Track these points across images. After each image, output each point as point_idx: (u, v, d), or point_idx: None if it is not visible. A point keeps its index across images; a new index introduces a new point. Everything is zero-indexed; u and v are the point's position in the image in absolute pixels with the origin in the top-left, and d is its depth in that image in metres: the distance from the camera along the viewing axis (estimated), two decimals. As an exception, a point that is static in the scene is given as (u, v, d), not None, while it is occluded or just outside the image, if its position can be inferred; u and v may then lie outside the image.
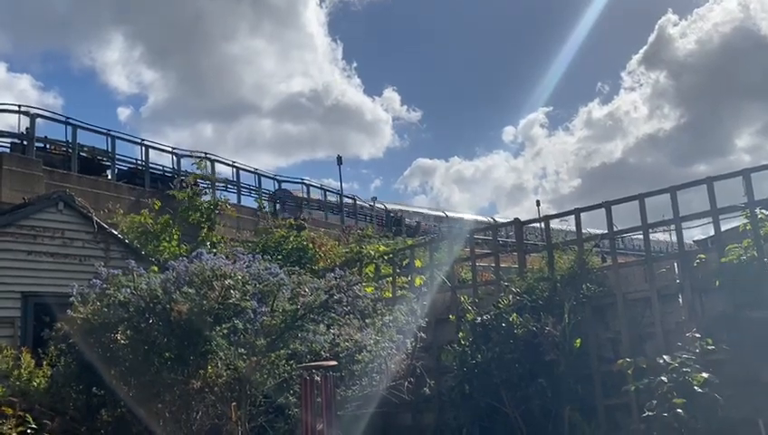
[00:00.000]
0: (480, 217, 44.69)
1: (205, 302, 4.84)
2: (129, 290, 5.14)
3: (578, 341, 7.22)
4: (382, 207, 36.29)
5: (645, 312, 7.59)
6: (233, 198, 25.88)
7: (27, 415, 6.70)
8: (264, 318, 5.13)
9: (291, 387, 5.56)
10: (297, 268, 9.96)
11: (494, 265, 8.98)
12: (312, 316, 5.31)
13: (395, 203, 37.54)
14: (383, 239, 24.38)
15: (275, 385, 5.45)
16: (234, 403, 5.02)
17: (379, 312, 6.28)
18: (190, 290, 4.84)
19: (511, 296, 7.52)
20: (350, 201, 32.91)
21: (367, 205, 34.43)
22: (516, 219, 8.74)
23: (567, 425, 7.08)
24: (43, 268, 9.53)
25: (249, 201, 27.58)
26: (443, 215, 41.10)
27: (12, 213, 9.90)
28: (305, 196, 30.31)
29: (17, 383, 7.74)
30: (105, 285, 5.42)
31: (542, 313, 7.44)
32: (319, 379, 5.38)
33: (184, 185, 12.34)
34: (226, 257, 10.69)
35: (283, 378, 5.44)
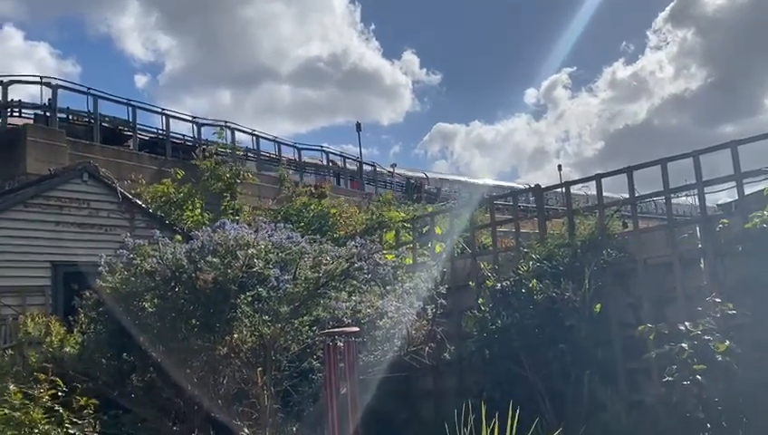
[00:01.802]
0: (501, 183, 44.47)
1: (229, 271, 4.95)
2: (155, 260, 5.26)
3: (598, 306, 7.25)
4: (402, 173, 36.24)
5: (666, 277, 7.58)
6: (253, 166, 26.07)
7: (59, 381, 6.95)
8: (287, 286, 5.22)
9: (314, 352, 5.69)
10: (318, 236, 10.12)
11: (514, 230, 9.00)
12: (333, 284, 5.40)
13: (415, 170, 37.44)
14: (403, 206, 24.47)
15: (299, 350, 5.58)
16: (259, 369, 5.16)
17: (399, 279, 6.36)
18: (215, 259, 4.95)
19: (531, 263, 7.55)
20: (369, 168, 32.90)
21: (386, 171, 34.41)
22: (537, 185, 8.73)
23: (587, 389, 7.16)
24: (70, 238, 9.77)
25: (270, 169, 27.71)
26: (463, 180, 40.90)
27: (38, 184, 10.11)
28: (325, 163, 30.35)
29: (49, 350, 8.02)
30: (132, 255, 5.55)
31: (562, 279, 7.46)
32: (341, 344, 5.50)
33: (207, 154, 12.43)
34: (249, 226, 10.86)
35: (306, 344, 5.56)
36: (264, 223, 5.80)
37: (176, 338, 5.14)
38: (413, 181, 34.23)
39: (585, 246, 7.94)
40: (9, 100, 20.63)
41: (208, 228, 5.55)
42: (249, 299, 5.19)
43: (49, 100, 21.21)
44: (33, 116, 21.19)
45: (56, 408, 6.85)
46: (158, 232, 6.15)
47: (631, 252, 7.81)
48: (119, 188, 10.40)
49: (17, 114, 21.18)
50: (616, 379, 7.31)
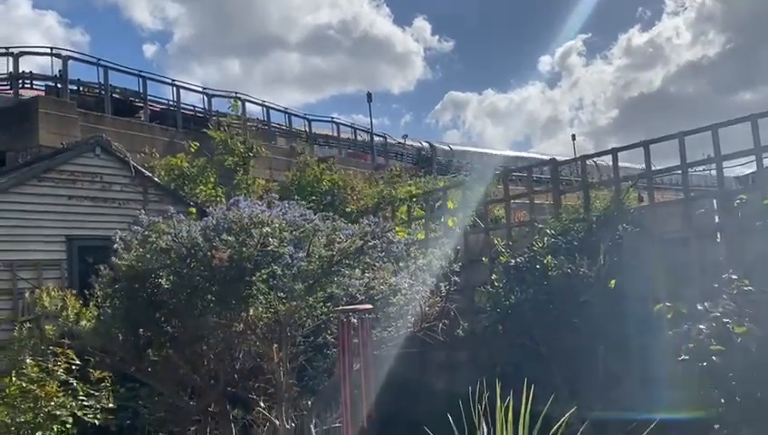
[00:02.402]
0: (514, 153, 44.12)
1: (244, 249, 4.95)
2: (170, 237, 5.26)
3: (612, 282, 7.21)
4: (413, 144, 36.01)
5: (682, 252, 7.52)
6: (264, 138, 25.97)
7: (74, 356, 7.04)
8: (302, 263, 5.22)
9: (328, 328, 5.71)
10: (331, 212, 10.10)
11: (528, 201, 8.92)
12: (347, 262, 5.39)
13: (426, 140, 37.18)
14: (414, 178, 24.37)
15: (314, 327, 5.60)
16: (275, 345, 5.18)
17: (412, 255, 6.34)
18: (229, 238, 4.94)
19: (545, 239, 7.50)
20: (380, 139, 32.73)
21: (397, 142, 34.21)
22: (552, 159, 8.63)
23: (601, 364, 7.16)
24: (84, 212, 9.80)
25: (281, 141, 27.60)
26: (476, 151, 40.61)
27: (51, 159, 10.12)
28: (336, 134, 30.20)
29: (66, 323, 8.11)
30: (146, 232, 5.55)
31: (576, 254, 7.42)
32: (355, 321, 5.51)
33: (221, 126, 12.36)
34: (262, 201, 10.85)
35: (320, 320, 5.58)
36: (277, 201, 5.77)
37: (192, 314, 5.17)
38: (424, 153, 34.03)
39: (600, 220, 7.88)
40: (20, 71, 20.61)
41: (223, 206, 5.53)
42: (264, 276, 5.19)
43: (59, 71, 21.16)
44: (44, 88, 21.18)
45: (71, 381, 6.97)
46: (172, 208, 6.13)
47: (647, 226, 7.74)
48: (131, 162, 10.38)
49: (28, 86, 21.18)
50: (630, 354, 7.30)
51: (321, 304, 5.52)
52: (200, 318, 5.16)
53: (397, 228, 10.08)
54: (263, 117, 27.52)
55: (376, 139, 32.54)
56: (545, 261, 7.08)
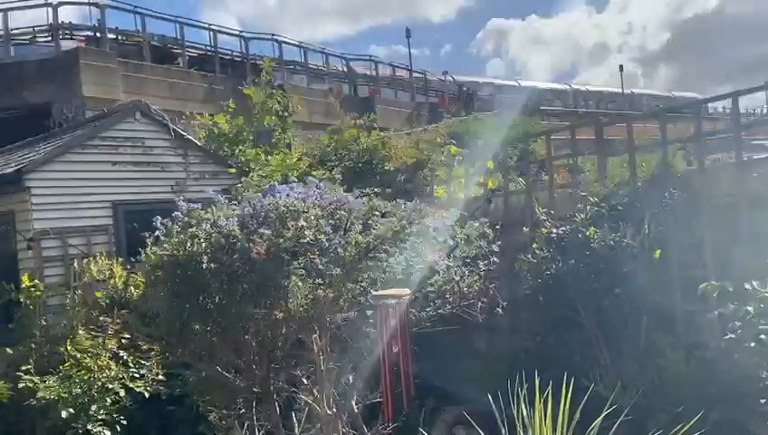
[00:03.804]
0: (558, 86, 42.82)
1: (281, 240, 4.97)
2: (208, 225, 5.31)
3: (657, 252, 7.03)
4: (454, 80, 35.23)
5: (732, 218, 7.25)
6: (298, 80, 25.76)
7: (125, 331, 7.33)
8: (339, 250, 5.23)
9: (366, 311, 5.77)
10: (368, 174, 10.03)
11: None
12: (384, 248, 5.37)
13: (467, 75, 36.30)
14: (455, 118, 23.91)
15: (353, 311, 5.66)
16: (314, 335, 5.27)
17: (450, 234, 6.28)
18: (266, 231, 4.96)
19: (588, 207, 7.32)
20: (420, 76, 32.09)
21: (437, 79, 33.50)
22: (597, 119, 8.32)
23: (644, 334, 7.09)
24: (127, 177, 9.97)
25: (319, 81, 27.31)
26: (519, 85, 39.52)
27: (92, 126, 10.25)
28: (374, 73, 29.69)
29: (115, 291, 8.41)
30: (186, 218, 5.62)
31: (620, 222, 7.24)
32: (393, 305, 5.55)
33: (256, 82, 12.22)
34: (299, 162, 10.82)
35: (359, 304, 5.63)
36: (314, 184, 5.74)
37: (233, 301, 5.27)
38: (466, 88, 33.30)
39: (646, 185, 7.64)
40: (60, 22, 20.68)
41: (259, 193, 5.53)
42: (302, 264, 5.23)
43: (98, 20, 21.19)
44: (83, 38, 21.27)
45: (122, 354, 7.29)
46: (211, 191, 6.19)
47: (695, 191, 7.47)
48: (171, 125, 10.44)
49: (68, 36, 21.29)
50: (674, 324, 7.19)
51: (360, 288, 5.55)
52: (240, 305, 5.25)
53: (436, 187, 10.03)
54: (300, 57, 27.21)
55: (416, 75, 31.91)
56: (588, 233, 6.92)
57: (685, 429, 4.42)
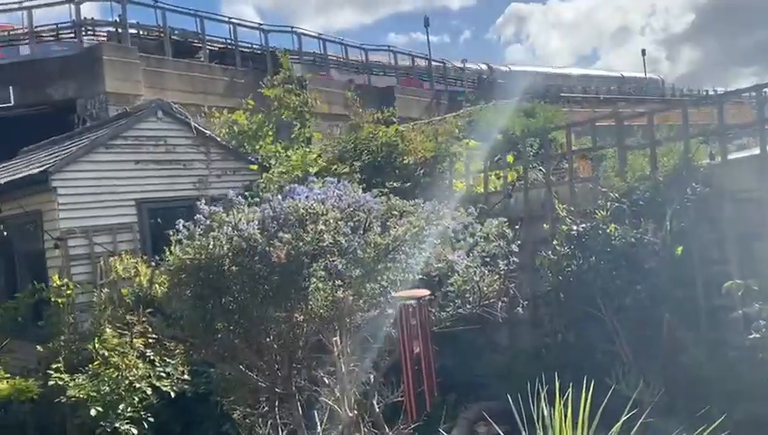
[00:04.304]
0: (583, 71, 42.18)
1: (301, 244, 5.02)
2: (230, 228, 5.39)
3: (679, 249, 6.97)
4: (474, 67, 34.97)
5: (757, 213, 7.15)
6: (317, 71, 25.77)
7: (148, 325, 7.47)
8: (358, 252, 5.27)
9: (386, 311, 5.82)
10: (387, 168, 10.04)
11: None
12: (403, 249, 5.40)
13: (484, 62, 35.98)
14: (474, 106, 23.74)
15: (372, 311, 5.71)
16: (335, 338, 5.33)
17: (469, 232, 6.29)
18: (286, 235, 5.02)
19: (609, 203, 7.27)
20: (439, 65, 31.92)
21: (456, 67, 33.27)
22: (617, 113, 8.23)
23: (666, 331, 7.04)
24: (150, 175, 10.12)
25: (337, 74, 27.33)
26: (542, 71, 39.01)
27: (115, 125, 10.38)
28: (393, 63, 29.61)
29: (140, 289, 8.57)
30: (208, 221, 5.70)
31: (641, 218, 7.18)
32: (413, 306, 5.59)
33: (275, 83, 12.28)
34: (319, 158, 10.87)
35: (379, 305, 5.68)
36: (333, 184, 5.78)
37: (254, 303, 5.34)
38: (485, 76, 33.06)
39: (668, 180, 7.56)
40: (82, 18, 20.91)
41: (278, 196, 5.59)
42: (322, 266, 5.28)
43: (119, 16, 21.36)
44: (106, 34, 21.49)
45: (148, 354, 7.43)
46: (231, 193, 6.25)
47: (718, 186, 7.37)
48: (192, 123, 10.55)
49: (91, 33, 21.52)
50: (697, 321, 7.13)
51: (379, 288, 5.59)
52: (262, 307, 5.33)
53: (455, 181, 10.02)
54: (319, 49, 27.22)
55: (434, 64, 31.75)
56: (609, 230, 6.88)
57: (709, 429, 4.41)
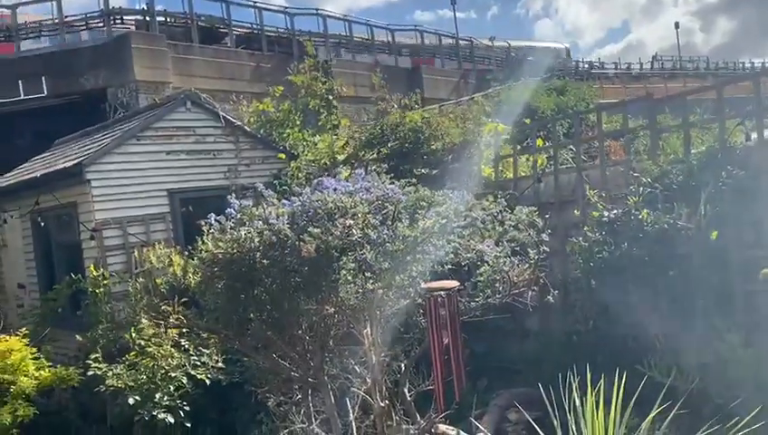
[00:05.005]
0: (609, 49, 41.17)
1: (330, 238, 5.06)
2: (260, 223, 5.45)
3: (714, 233, 6.83)
4: (502, 44, 34.52)
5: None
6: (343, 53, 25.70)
7: (182, 315, 7.60)
8: (387, 244, 5.29)
9: (416, 300, 5.85)
10: (414, 154, 10.00)
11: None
12: (432, 241, 5.41)
13: (514, 40, 35.45)
14: (502, 86, 23.45)
15: (402, 302, 5.74)
16: (365, 330, 5.38)
17: (498, 220, 6.26)
18: (315, 230, 5.05)
19: (641, 189, 7.15)
20: (466, 43, 31.56)
21: (484, 45, 32.85)
22: (648, 94, 8.06)
23: (701, 316, 6.94)
24: (181, 166, 10.25)
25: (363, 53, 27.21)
26: (564, 47, 38.32)
27: (145, 117, 10.51)
28: (420, 42, 29.35)
29: (175, 278, 8.72)
30: (239, 215, 5.77)
31: (675, 202, 7.06)
32: (443, 294, 5.61)
33: (301, 70, 12.28)
34: (346, 146, 10.87)
35: (409, 295, 5.70)
36: (360, 176, 5.79)
37: (286, 297, 5.41)
38: (514, 54, 32.62)
39: (702, 163, 7.40)
40: (111, 7, 21.12)
41: (307, 189, 5.62)
42: (351, 259, 5.32)
43: (147, 4, 21.53)
44: (134, 22, 21.68)
45: (183, 343, 7.58)
46: (261, 185, 6.30)
47: (755, 167, 7.19)
48: (221, 112, 10.63)
49: (119, 21, 21.73)
50: (733, 307, 7.01)
51: (408, 280, 5.62)
52: (293, 299, 5.39)
53: (484, 167, 9.94)
54: (345, 31, 27.12)
55: (462, 43, 31.40)
56: (641, 216, 6.78)
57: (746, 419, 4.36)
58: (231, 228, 5.75)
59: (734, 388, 6.26)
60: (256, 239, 5.47)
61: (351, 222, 5.00)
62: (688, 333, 6.97)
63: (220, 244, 5.49)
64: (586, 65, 34.59)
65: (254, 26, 23.59)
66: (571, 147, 9.65)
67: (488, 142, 9.52)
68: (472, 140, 9.85)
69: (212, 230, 5.86)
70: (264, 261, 5.42)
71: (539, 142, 9.40)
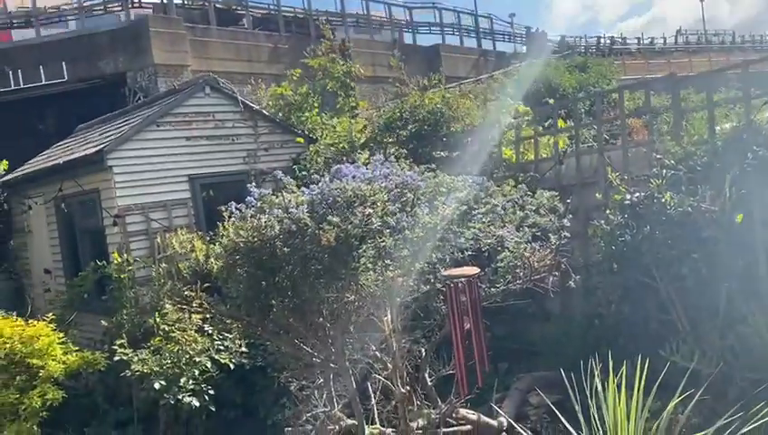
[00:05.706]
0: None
1: (350, 226, 5.07)
2: (280, 211, 5.47)
3: (740, 216, 6.72)
4: (522, 23, 34.01)
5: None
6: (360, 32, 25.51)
7: (205, 300, 7.69)
8: (407, 232, 5.29)
9: (435, 286, 5.85)
10: (433, 136, 9.93)
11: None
12: (452, 228, 5.39)
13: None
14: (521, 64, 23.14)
15: (421, 290, 5.75)
16: (386, 316, 5.40)
17: (519, 205, 6.22)
18: (335, 219, 5.06)
19: (665, 171, 7.04)
20: (486, 21, 31.13)
21: (505, 22, 32.43)
22: (671, 74, 7.91)
23: (724, 300, 6.86)
24: (201, 151, 10.30)
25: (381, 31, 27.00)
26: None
27: (165, 102, 10.55)
28: (438, 21, 29.02)
29: (197, 264, 8.81)
30: (259, 204, 5.79)
31: (699, 185, 6.94)
32: (463, 280, 5.61)
33: (320, 53, 12.21)
34: (364, 130, 10.83)
35: (429, 282, 5.71)
36: (379, 163, 5.77)
37: (306, 283, 5.43)
38: (534, 31, 32.15)
39: (727, 144, 7.26)
40: (128, -9, 21.13)
41: (326, 177, 5.62)
42: (371, 246, 5.33)
43: (164, -14, 21.50)
44: (151, 5, 21.71)
45: (206, 328, 7.68)
46: (280, 173, 6.31)
47: (782, 148, 7.04)
48: (239, 97, 10.64)
49: (137, 5, 21.77)
50: (757, 290, 6.92)
51: (429, 267, 5.62)
52: (313, 287, 5.42)
53: (504, 149, 9.87)
54: (362, 9, 26.91)
55: (481, 21, 30.99)
56: (664, 199, 6.69)
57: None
58: (251, 216, 5.78)
59: (759, 371, 6.21)
60: (277, 227, 5.49)
61: (371, 210, 4.99)
62: (712, 316, 6.91)
63: (241, 232, 5.52)
64: (608, 41, 33.99)
65: (271, 7, 23.50)
66: (593, 126, 9.54)
67: (509, 123, 9.42)
68: (492, 121, 9.76)
69: (233, 218, 5.89)
70: (285, 249, 5.44)
71: (561, 124, 9.29)
